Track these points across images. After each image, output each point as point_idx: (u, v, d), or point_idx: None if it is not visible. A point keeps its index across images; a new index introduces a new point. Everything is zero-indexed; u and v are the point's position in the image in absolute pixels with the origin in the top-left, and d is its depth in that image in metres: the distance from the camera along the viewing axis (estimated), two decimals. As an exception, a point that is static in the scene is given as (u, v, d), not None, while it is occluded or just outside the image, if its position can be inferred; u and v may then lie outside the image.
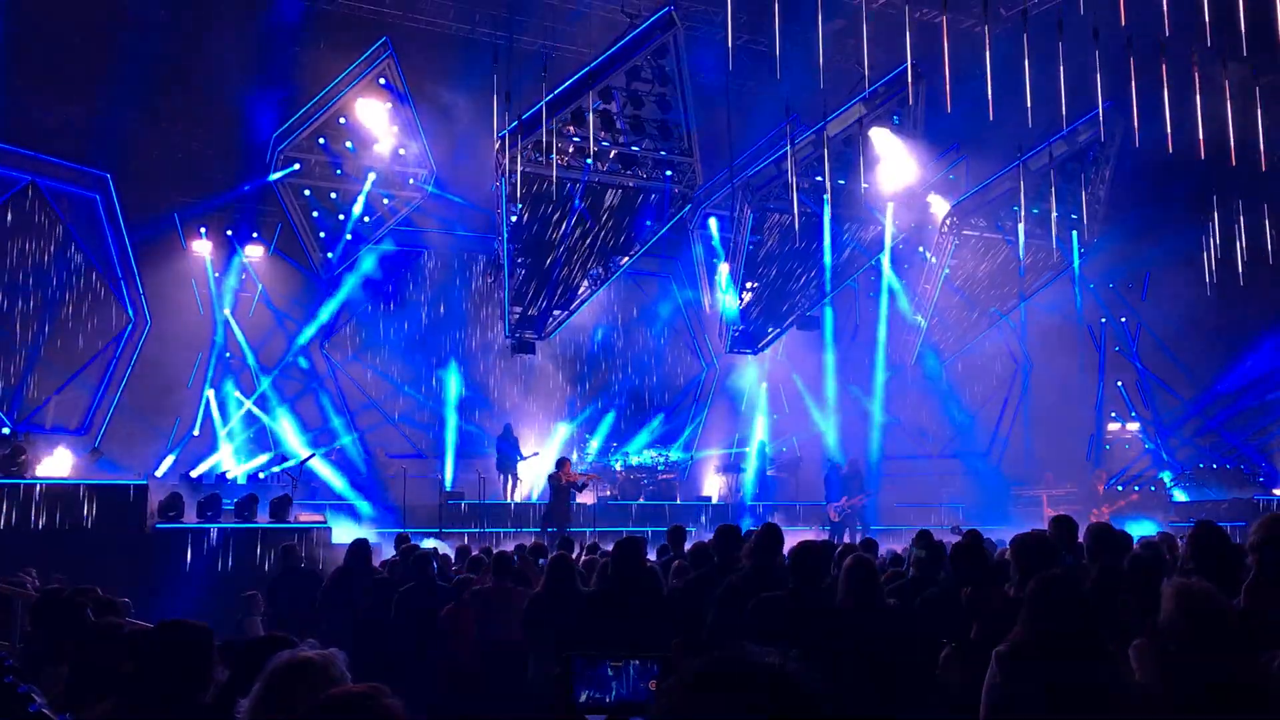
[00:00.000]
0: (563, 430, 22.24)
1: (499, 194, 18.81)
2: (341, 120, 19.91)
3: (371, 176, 20.33)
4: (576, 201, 19.55)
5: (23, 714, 3.84)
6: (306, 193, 20.21)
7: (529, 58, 20.70)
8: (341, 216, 20.43)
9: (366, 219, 20.66)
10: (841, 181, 20.87)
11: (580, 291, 21.03)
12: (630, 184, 20.08)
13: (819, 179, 20.65)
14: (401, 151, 20.37)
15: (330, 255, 20.45)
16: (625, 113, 19.21)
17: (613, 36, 19.14)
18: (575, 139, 18.97)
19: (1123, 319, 25.21)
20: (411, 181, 20.65)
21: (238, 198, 19.82)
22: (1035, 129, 17.50)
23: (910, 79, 16.21)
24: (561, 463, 17.30)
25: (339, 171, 20.32)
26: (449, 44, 20.73)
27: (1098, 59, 14.71)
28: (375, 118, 19.95)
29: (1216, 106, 15.41)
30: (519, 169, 18.23)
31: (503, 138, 18.05)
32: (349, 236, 20.42)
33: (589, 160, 19.08)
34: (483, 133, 19.10)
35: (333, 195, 20.44)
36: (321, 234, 20.45)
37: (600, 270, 21.01)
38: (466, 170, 20.39)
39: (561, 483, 16.73)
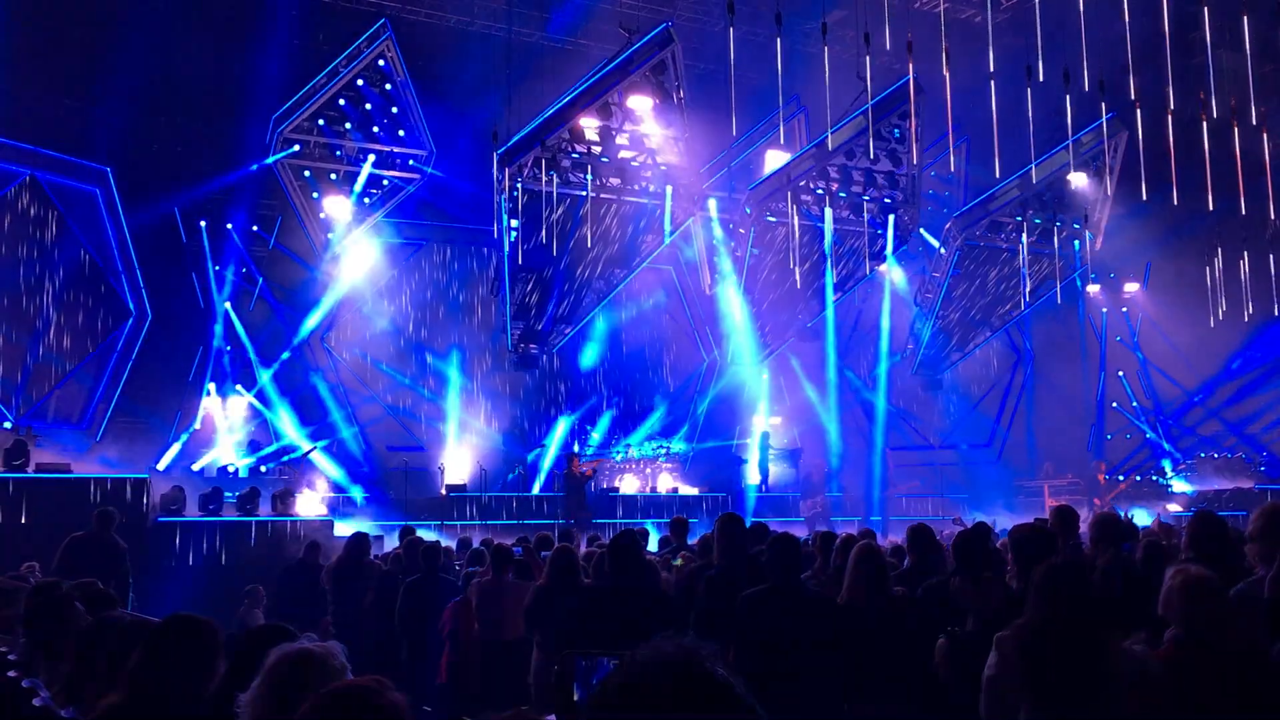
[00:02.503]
0: (564, 422, 22.24)
1: (498, 210, 18.82)
2: (341, 102, 19.99)
3: (371, 158, 20.39)
4: (576, 217, 19.55)
5: (27, 708, 3.84)
6: (306, 174, 20.26)
7: (529, 50, 20.73)
8: (342, 197, 20.44)
9: (366, 200, 20.69)
10: (843, 195, 20.86)
11: (582, 305, 21.06)
12: (630, 199, 20.08)
13: (820, 191, 20.66)
14: (400, 133, 20.46)
15: (331, 236, 20.46)
16: (624, 128, 19.20)
17: (613, 29, 19.11)
18: (574, 155, 18.98)
19: (1124, 308, 25.19)
20: (411, 163, 20.73)
21: (239, 191, 19.78)
22: (1040, 137, 17.48)
23: (912, 92, 16.26)
24: (570, 457, 17.58)
25: (338, 153, 20.40)
26: (449, 37, 20.74)
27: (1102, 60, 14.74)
28: (374, 99, 19.99)
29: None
30: (518, 185, 18.29)
31: (500, 154, 18.10)
32: (349, 218, 20.42)
33: (588, 176, 19.08)
34: (484, 125, 19.13)
35: (332, 176, 20.48)
36: (322, 215, 20.47)
37: (602, 284, 21.00)
38: (467, 161, 20.41)
39: (574, 475, 17.07)
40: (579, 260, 20.27)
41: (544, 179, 18.50)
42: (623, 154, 19.57)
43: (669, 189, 19.95)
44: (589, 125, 18.79)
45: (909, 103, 17.73)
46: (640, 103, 18.87)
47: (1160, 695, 3.92)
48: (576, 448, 21.56)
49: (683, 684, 1.47)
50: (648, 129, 19.29)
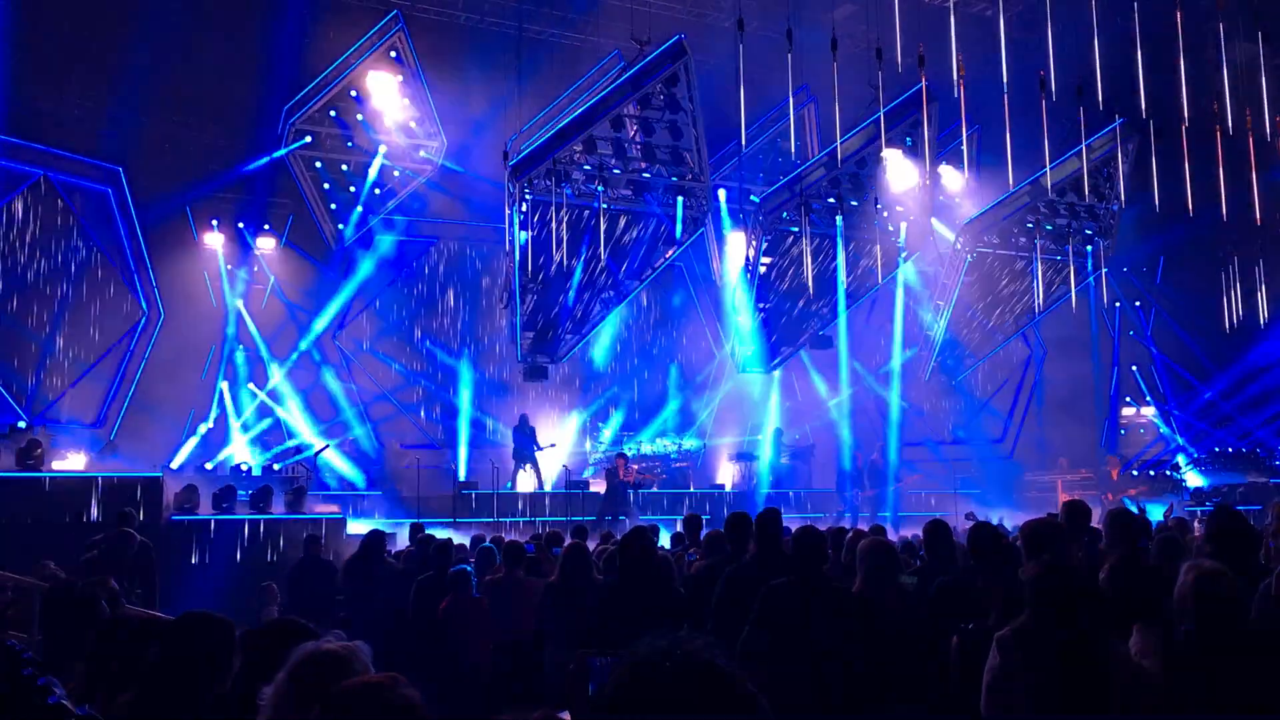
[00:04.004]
0: (575, 419, 22.24)
1: (509, 221, 18.87)
2: (353, 93, 20.07)
3: (383, 149, 20.44)
4: (587, 228, 19.58)
5: (43, 706, 3.86)
6: (318, 165, 20.32)
7: (539, 46, 20.73)
8: (353, 189, 20.49)
9: (378, 191, 20.73)
10: (854, 203, 20.83)
11: (592, 315, 21.08)
12: (642, 210, 20.11)
13: (831, 200, 20.62)
14: (412, 124, 20.51)
15: (343, 227, 20.50)
16: (636, 139, 19.23)
17: (623, 24, 19.09)
18: (586, 167, 19.01)
19: (1137, 303, 25.09)
20: (422, 154, 20.77)
21: (250, 189, 19.85)
22: (1051, 144, 17.40)
23: (924, 101, 16.22)
24: (618, 458, 17.76)
25: (350, 144, 20.46)
26: (459, 33, 20.77)
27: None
28: (386, 90, 20.10)
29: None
30: (528, 197, 18.35)
31: (511, 167, 18.16)
32: (361, 208, 20.46)
33: (600, 187, 19.11)
34: (495, 123, 19.14)
35: (344, 167, 20.54)
36: (333, 206, 20.50)
37: (612, 294, 21.03)
38: (480, 157, 20.45)
39: (619, 478, 17.17)
40: (589, 271, 20.29)
41: (555, 191, 18.57)
42: (634, 165, 19.60)
43: (680, 200, 19.96)
44: (601, 137, 18.83)
45: (921, 111, 17.70)
46: (651, 114, 18.91)
47: (1173, 691, 3.90)
48: (587, 445, 21.61)
49: (684, 678, 1.46)
50: (659, 140, 19.33)
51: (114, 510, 12.70)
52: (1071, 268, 21.80)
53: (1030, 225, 22.08)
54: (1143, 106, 14.60)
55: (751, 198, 22.33)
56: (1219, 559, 4.40)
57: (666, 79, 18.60)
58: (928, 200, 21.32)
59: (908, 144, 20.47)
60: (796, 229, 20.42)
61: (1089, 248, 22.53)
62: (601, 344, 22.76)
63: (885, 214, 21.18)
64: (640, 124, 19.08)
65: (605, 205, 19.30)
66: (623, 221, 20.17)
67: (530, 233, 18.84)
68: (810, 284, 20.39)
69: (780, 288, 21.72)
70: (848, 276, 21.61)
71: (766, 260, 21.14)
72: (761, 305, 21.65)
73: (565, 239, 19.03)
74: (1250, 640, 3.97)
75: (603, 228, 19.33)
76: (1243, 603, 4.23)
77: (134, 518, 9.83)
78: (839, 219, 20.70)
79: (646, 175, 19.79)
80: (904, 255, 21.85)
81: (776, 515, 6.37)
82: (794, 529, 5.99)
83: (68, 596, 5.20)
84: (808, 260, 20.10)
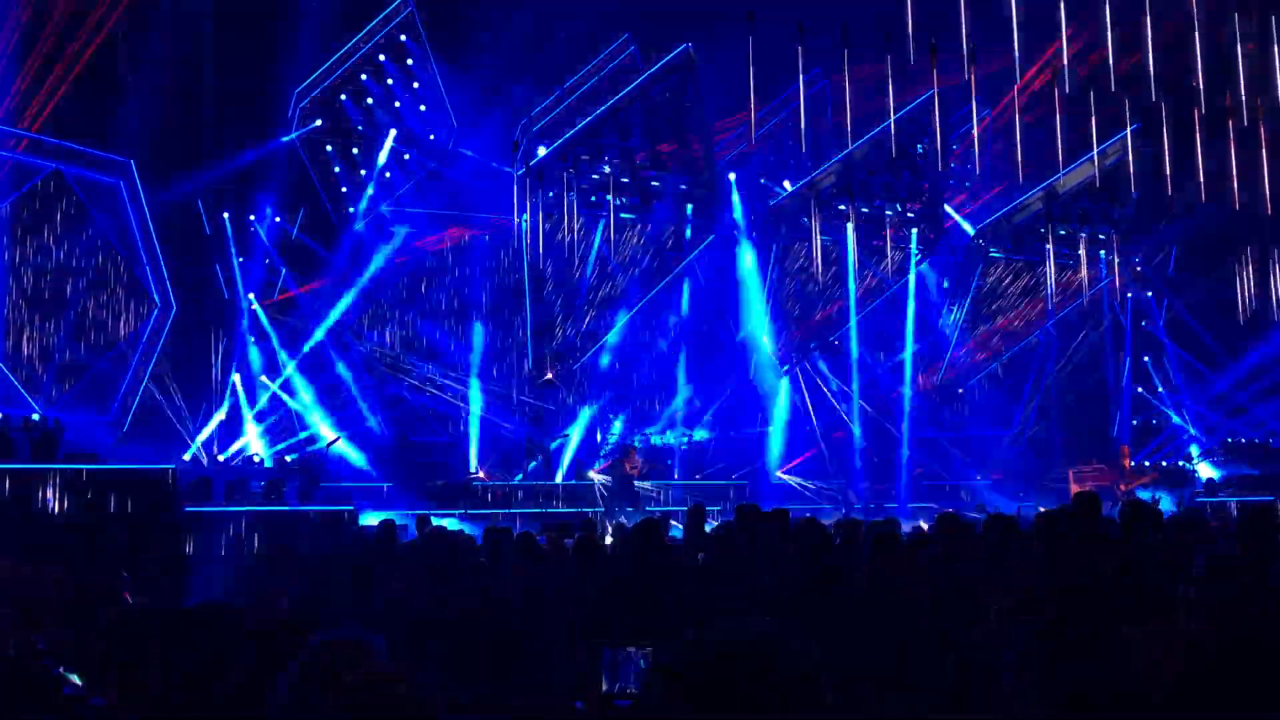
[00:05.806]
0: (586, 411, 22.20)
1: (518, 229, 18.89)
2: (363, 77, 20.02)
3: (393, 133, 20.41)
4: (598, 236, 19.56)
5: (58, 697, 3.89)
6: (328, 149, 20.30)
7: (548, 34, 20.71)
8: (363, 172, 20.48)
9: (388, 175, 20.71)
10: (865, 210, 20.77)
11: (602, 324, 21.10)
12: (651, 216, 20.08)
13: (842, 207, 20.59)
14: (422, 108, 20.49)
15: (352, 210, 20.50)
16: (644, 148, 19.22)
17: (631, 15, 19.10)
18: (594, 176, 18.99)
19: (1149, 293, 24.96)
20: (432, 138, 20.75)
21: (261, 182, 19.85)
22: (1063, 144, 17.36)
23: (936, 107, 16.20)
24: (627, 450, 17.78)
25: (360, 128, 20.41)
26: (469, 25, 20.76)
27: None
28: (396, 74, 20.06)
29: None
30: (538, 206, 18.38)
31: (520, 176, 18.18)
32: (371, 192, 20.45)
33: (609, 196, 19.09)
34: (506, 109, 19.15)
35: (354, 151, 20.50)
36: (344, 189, 20.51)
37: (622, 302, 21.04)
38: (489, 144, 20.43)
39: (625, 470, 17.26)
40: (599, 280, 20.32)
41: (565, 200, 18.59)
42: (642, 173, 19.57)
43: (689, 207, 19.92)
44: (609, 145, 18.84)
45: (932, 117, 17.67)
46: (659, 123, 18.90)
47: (1185, 681, 3.89)
48: (597, 437, 21.61)
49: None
50: (667, 148, 19.32)
51: (128, 502, 12.81)
52: (1084, 272, 21.69)
53: (1043, 230, 21.96)
54: (1152, 94, 14.53)
55: (761, 180, 22.28)
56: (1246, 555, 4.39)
57: (673, 89, 18.65)
58: (940, 204, 21.28)
59: (918, 150, 20.42)
60: (808, 232, 20.39)
61: (1102, 252, 22.44)
62: (613, 336, 22.69)
63: (897, 219, 21.13)
64: (648, 133, 19.11)
65: (614, 215, 19.32)
66: (631, 230, 20.20)
67: (540, 242, 18.88)
68: (821, 286, 20.40)
69: (792, 291, 21.71)
70: (859, 279, 21.58)
71: (779, 263, 21.14)
72: (775, 307, 21.65)
73: (575, 247, 19.07)
74: (1259, 634, 3.95)
75: (612, 236, 19.35)
76: (1254, 595, 4.22)
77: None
78: (849, 226, 20.66)
79: (655, 184, 19.80)
80: (917, 259, 21.79)
81: (754, 508, 6.42)
82: (801, 521, 6.01)
83: (81, 589, 5.24)
84: (818, 264, 20.09)
